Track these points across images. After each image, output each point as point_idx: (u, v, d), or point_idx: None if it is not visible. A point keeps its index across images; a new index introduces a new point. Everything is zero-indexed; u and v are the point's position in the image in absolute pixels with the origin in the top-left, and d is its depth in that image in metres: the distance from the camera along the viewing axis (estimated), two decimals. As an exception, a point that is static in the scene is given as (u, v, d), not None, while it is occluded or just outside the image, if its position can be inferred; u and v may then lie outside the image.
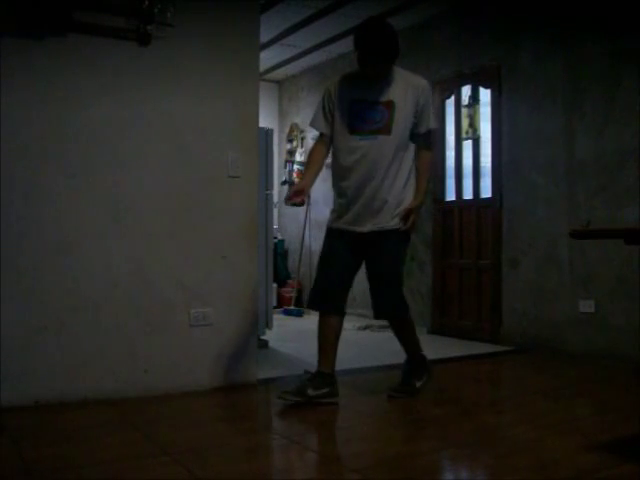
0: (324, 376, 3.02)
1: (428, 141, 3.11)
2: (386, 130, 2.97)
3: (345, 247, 3.06)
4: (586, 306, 4.41)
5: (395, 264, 3.09)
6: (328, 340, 3.06)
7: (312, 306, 3.14)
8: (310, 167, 3.16)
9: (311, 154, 3.19)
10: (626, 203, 4.20)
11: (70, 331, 3.04)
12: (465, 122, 5.40)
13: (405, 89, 2.99)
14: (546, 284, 4.69)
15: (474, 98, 5.34)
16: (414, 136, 3.05)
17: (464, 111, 5.41)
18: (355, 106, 3.01)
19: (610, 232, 3.05)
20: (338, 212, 3.10)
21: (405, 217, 3.00)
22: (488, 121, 5.19)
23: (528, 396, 3.35)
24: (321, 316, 3.08)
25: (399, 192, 3.02)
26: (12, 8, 2.90)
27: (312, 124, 3.17)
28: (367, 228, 3.02)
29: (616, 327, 4.24)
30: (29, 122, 2.98)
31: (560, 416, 2.93)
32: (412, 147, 3.07)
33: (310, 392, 2.96)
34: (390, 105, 2.98)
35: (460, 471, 2.35)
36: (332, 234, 3.12)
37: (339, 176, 3.07)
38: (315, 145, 3.19)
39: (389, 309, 3.08)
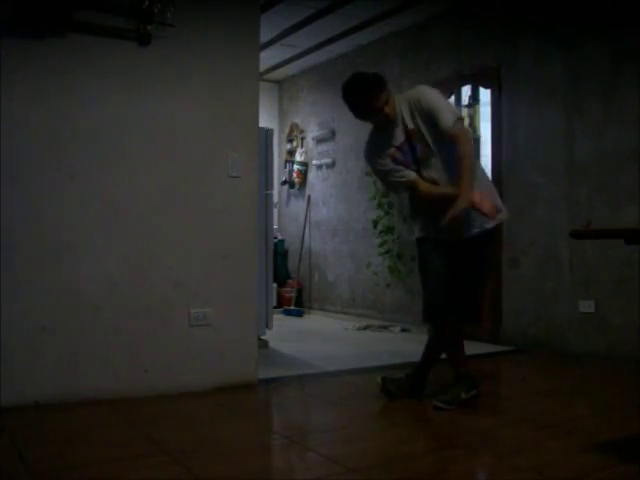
0: (470, 377, 3.08)
1: (452, 136, 2.91)
2: (431, 152, 2.97)
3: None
4: (586, 306, 4.42)
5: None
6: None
7: None
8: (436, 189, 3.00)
9: (430, 190, 3.01)
10: (626, 203, 4.20)
11: (70, 331, 3.04)
12: (465, 122, 5.40)
13: (408, 111, 2.99)
14: (546, 284, 4.69)
15: (474, 98, 5.35)
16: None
17: (464, 111, 5.41)
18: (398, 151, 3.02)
19: (610, 232, 3.05)
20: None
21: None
22: (488, 121, 5.20)
23: (528, 396, 3.35)
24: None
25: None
26: (12, 8, 2.89)
27: (407, 178, 3.00)
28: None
29: (616, 327, 4.24)
30: (29, 122, 2.98)
31: (560, 416, 2.93)
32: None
33: (463, 395, 3.00)
34: (413, 133, 2.98)
35: (460, 471, 2.34)
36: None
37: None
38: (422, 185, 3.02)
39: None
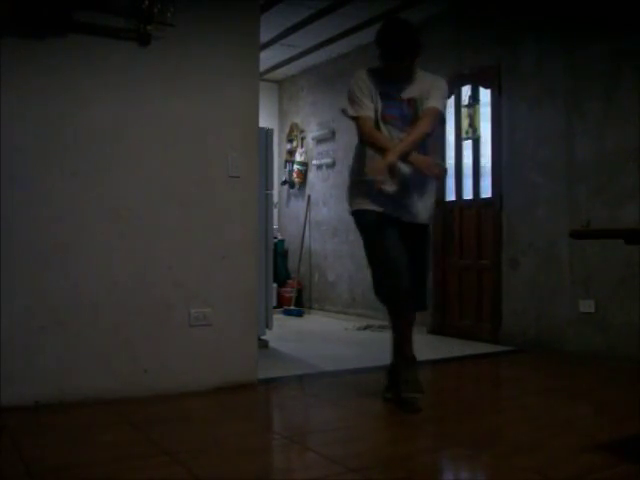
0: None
1: (427, 110, 2.98)
2: (410, 123, 3.00)
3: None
4: (586, 306, 4.42)
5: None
6: None
7: None
8: (384, 139, 2.98)
9: (374, 132, 2.98)
10: (626, 203, 4.20)
11: (70, 331, 3.04)
12: (465, 122, 5.40)
13: (427, 85, 3.03)
14: (546, 284, 4.69)
15: (474, 98, 5.34)
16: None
17: (464, 111, 5.42)
18: (384, 100, 3.02)
19: (610, 232, 3.05)
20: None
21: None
22: (488, 121, 5.20)
23: (528, 396, 3.36)
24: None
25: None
26: (12, 8, 2.89)
27: (357, 112, 2.98)
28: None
29: (616, 327, 4.24)
30: (29, 122, 2.98)
31: (560, 416, 2.93)
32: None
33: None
34: (412, 102, 3.02)
35: (460, 471, 2.35)
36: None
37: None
38: (370, 126, 2.98)
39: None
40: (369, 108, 2.99)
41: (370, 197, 3.00)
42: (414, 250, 3.07)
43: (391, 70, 3.02)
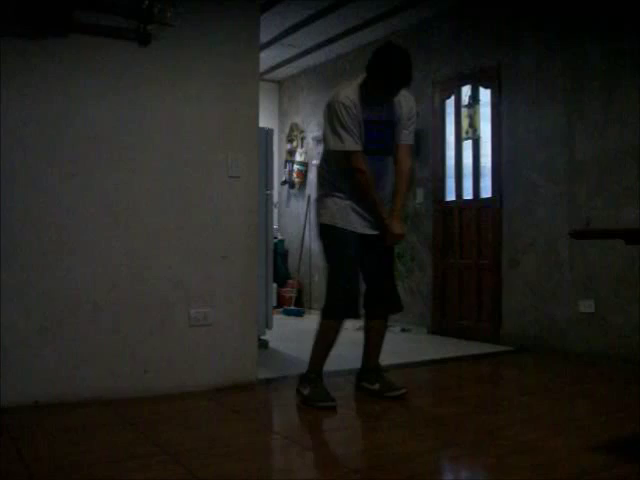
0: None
1: (410, 151, 3.19)
2: (389, 151, 3.13)
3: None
4: (586, 306, 4.41)
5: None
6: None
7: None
8: (377, 197, 3.08)
9: (372, 185, 3.04)
10: (626, 203, 4.20)
11: (70, 331, 3.04)
12: (465, 122, 5.40)
13: (404, 109, 3.11)
14: (546, 284, 4.69)
15: (474, 98, 5.34)
16: (398, 146, 3.13)
17: (464, 111, 5.42)
18: (367, 127, 3.03)
19: (610, 232, 3.06)
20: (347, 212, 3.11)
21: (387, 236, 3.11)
22: (488, 121, 5.20)
23: (528, 396, 3.36)
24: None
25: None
26: (12, 8, 2.89)
27: (354, 147, 2.97)
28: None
29: (616, 327, 4.24)
30: (29, 122, 2.98)
31: (560, 416, 2.93)
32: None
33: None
34: (390, 125, 3.10)
35: (460, 471, 2.35)
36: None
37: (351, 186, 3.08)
38: (362, 166, 3.00)
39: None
40: (360, 140, 3.00)
41: (345, 217, 3.08)
42: (381, 256, 3.20)
43: (388, 98, 3.05)
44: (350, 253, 3.08)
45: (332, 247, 3.14)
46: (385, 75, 2.93)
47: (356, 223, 3.09)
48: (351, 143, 2.97)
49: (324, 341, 3.12)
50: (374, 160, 3.06)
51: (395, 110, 3.09)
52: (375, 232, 3.12)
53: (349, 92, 3.01)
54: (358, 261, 3.12)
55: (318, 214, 3.19)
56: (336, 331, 3.10)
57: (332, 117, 2.99)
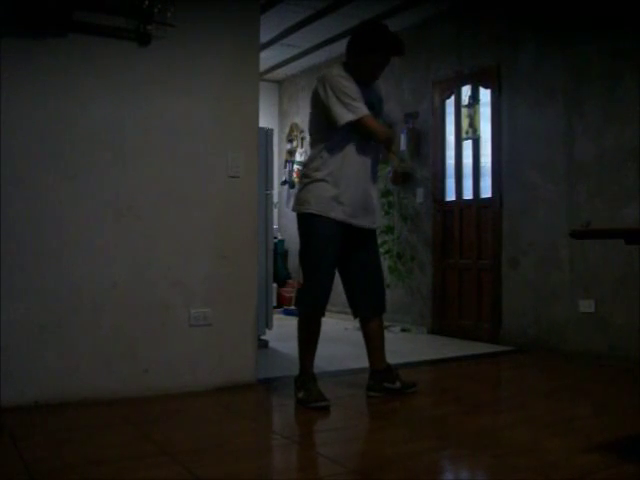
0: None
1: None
2: None
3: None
4: (586, 306, 4.41)
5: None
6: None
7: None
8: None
9: (378, 125, 3.03)
10: (626, 203, 4.20)
11: (70, 331, 3.04)
12: (465, 122, 5.40)
13: (383, 91, 3.27)
14: (546, 284, 4.69)
15: (474, 98, 5.34)
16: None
17: (464, 111, 5.41)
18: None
19: (610, 232, 3.05)
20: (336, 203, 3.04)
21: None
22: (488, 121, 5.20)
23: (528, 396, 3.36)
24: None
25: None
26: (13, 8, 2.89)
27: (360, 113, 2.91)
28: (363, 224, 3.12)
29: (616, 327, 4.24)
30: (29, 122, 2.98)
31: (560, 416, 2.93)
32: None
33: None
34: (380, 108, 3.19)
35: (460, 471, 2.34)
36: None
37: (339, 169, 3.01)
38: (375, 123, 2.99)
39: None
40: (362, 105, 2.97)
41: (331, 203, 2.98)
42: (368, 253, 3.20)
43: (376, 78, 3.10)
44: (334, 249, 3.06)
45: (315, 239, 3.03)
46: (383, 48, 2.98)
47: (345, 214, 3.01)
48: (363, 108, 2.94)
49: (307, 337, 3.11)
50: (369, 147, 3.07)
51: (378, 92, 3.17)
52: (365, 225, 3.10)
53: (340, 71, 3.01)
54: (337, 256, 3.09)
55: (302, 202, 3.04)
56: (317, 324, 3.09)
57: (335, 90, 2.91)
